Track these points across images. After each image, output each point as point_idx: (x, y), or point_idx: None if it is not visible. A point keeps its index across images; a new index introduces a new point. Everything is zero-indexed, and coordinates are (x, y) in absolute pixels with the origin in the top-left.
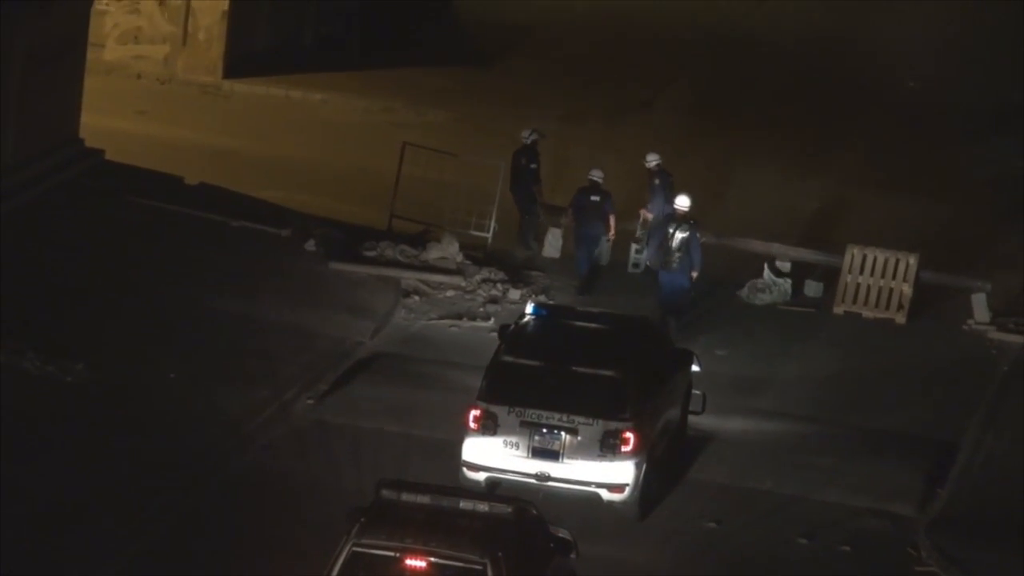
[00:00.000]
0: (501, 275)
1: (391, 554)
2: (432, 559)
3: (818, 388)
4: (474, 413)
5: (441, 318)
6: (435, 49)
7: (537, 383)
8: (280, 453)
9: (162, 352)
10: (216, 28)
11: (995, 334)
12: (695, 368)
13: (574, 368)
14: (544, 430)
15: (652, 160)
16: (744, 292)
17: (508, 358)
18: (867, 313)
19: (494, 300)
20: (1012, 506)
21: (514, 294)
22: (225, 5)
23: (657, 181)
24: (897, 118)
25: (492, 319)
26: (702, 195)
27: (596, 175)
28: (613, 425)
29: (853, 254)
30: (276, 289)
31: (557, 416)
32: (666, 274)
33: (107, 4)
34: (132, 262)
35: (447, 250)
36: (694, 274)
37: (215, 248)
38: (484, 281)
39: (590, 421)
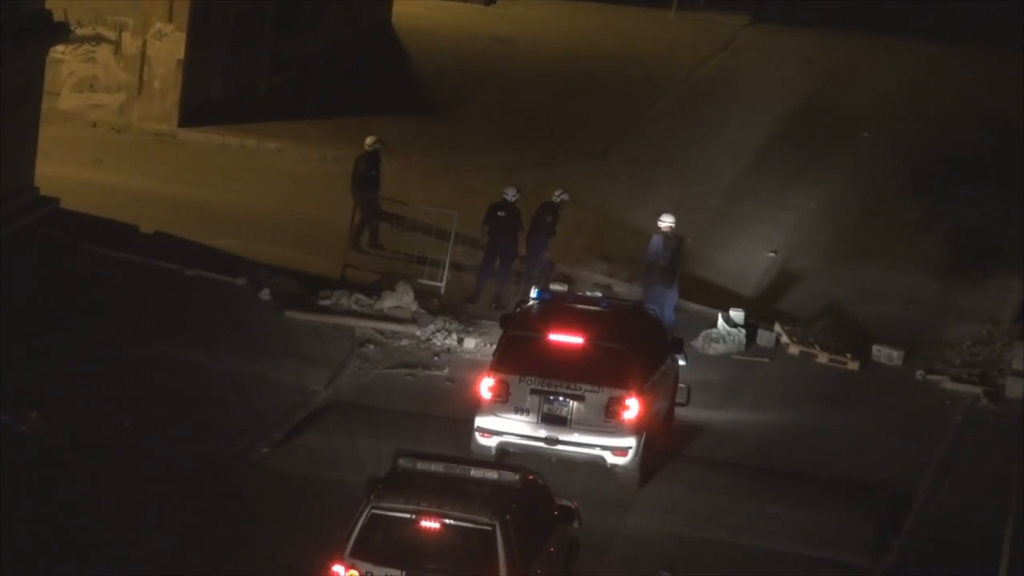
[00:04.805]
0: (455, 324)
1: (407, 516)
2: (446, 520)
3: (772, 436)
4: (487, 382)
5: (396, 367)
6: (390, 98)
7: (546, 355)
8: (235, 502)
9: (117, 401)
10: (171, 77)
11: (948, 384)
12: (681, 362)
13: (581, 340)
14: (552, 397)
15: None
16: (699, 342)
17: (519, 332)
18: (821, 358)
19: (448, 349)
20: (966, 557)
21: (469, 343)
22: (180, 54)
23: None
24: (850, 168)
25: (447, 368)
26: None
27: (509, 193)
28: (617, 392)
29: (786, 328)
30: (230, 338)
31: (565, 384)
32: (655, 291)
33: (63, 52)
34: (86, 310)
35: (402, 299)
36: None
37: (169, 297)
38: (439, 330)
39: (596, 389)
